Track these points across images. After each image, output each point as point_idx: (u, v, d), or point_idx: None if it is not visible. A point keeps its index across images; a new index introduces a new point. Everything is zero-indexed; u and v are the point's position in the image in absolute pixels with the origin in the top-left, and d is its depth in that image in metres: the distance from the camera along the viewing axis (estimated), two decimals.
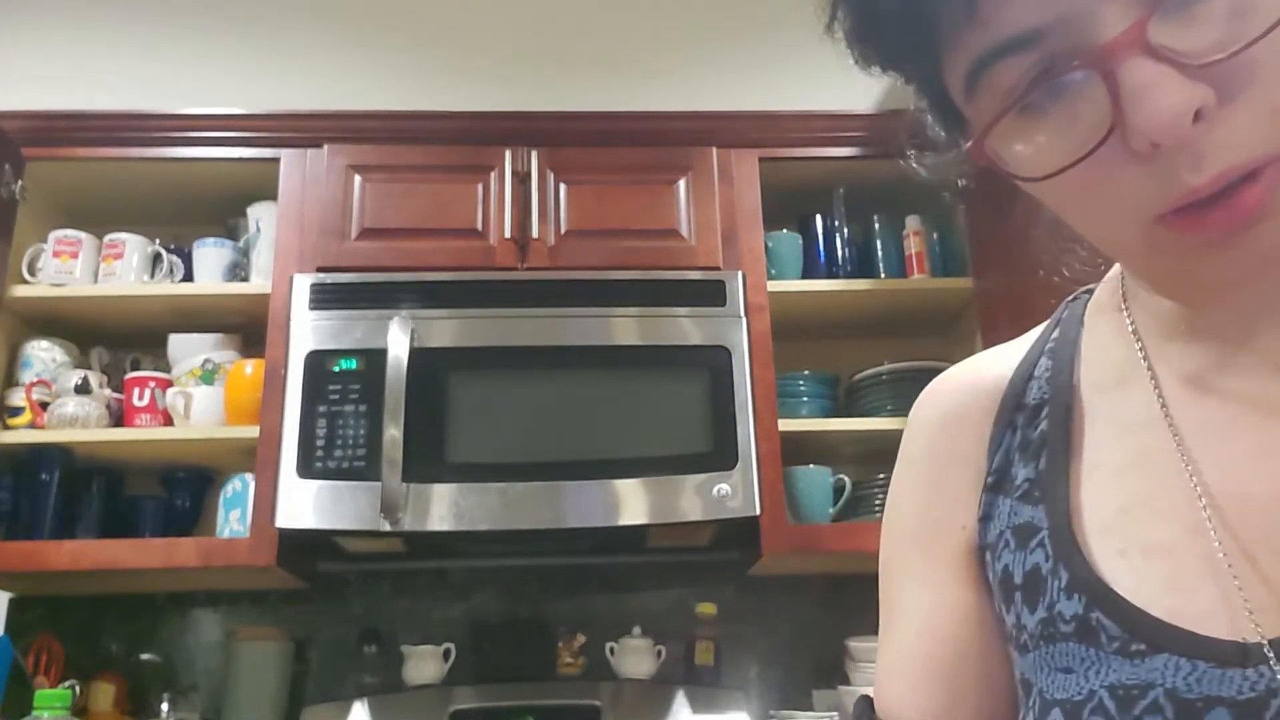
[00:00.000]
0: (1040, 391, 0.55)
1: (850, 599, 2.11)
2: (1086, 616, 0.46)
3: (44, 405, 1.94)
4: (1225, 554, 0.43)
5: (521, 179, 2.04)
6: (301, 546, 1.91)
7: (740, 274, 1.99)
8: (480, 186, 2.04)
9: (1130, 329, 0.53)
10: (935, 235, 2.17)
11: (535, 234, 2.00)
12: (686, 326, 1.93)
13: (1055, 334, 0.58)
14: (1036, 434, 0.53)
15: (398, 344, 1.81)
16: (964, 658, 0.54)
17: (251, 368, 1.95)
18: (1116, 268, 0.57)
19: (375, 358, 1.83)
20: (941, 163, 0.52)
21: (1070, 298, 0.60)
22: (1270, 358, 0.47)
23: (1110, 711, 0.43)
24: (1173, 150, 0.39)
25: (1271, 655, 0.40)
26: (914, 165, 0.54)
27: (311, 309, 1.89)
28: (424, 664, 2.01)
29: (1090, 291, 0.59)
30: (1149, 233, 0.42)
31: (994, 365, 0.59)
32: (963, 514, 0.56)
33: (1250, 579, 0.43)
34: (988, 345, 0.67)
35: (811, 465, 2.01)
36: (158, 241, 2.09)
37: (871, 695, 0.58)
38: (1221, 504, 0.45)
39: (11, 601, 2.09)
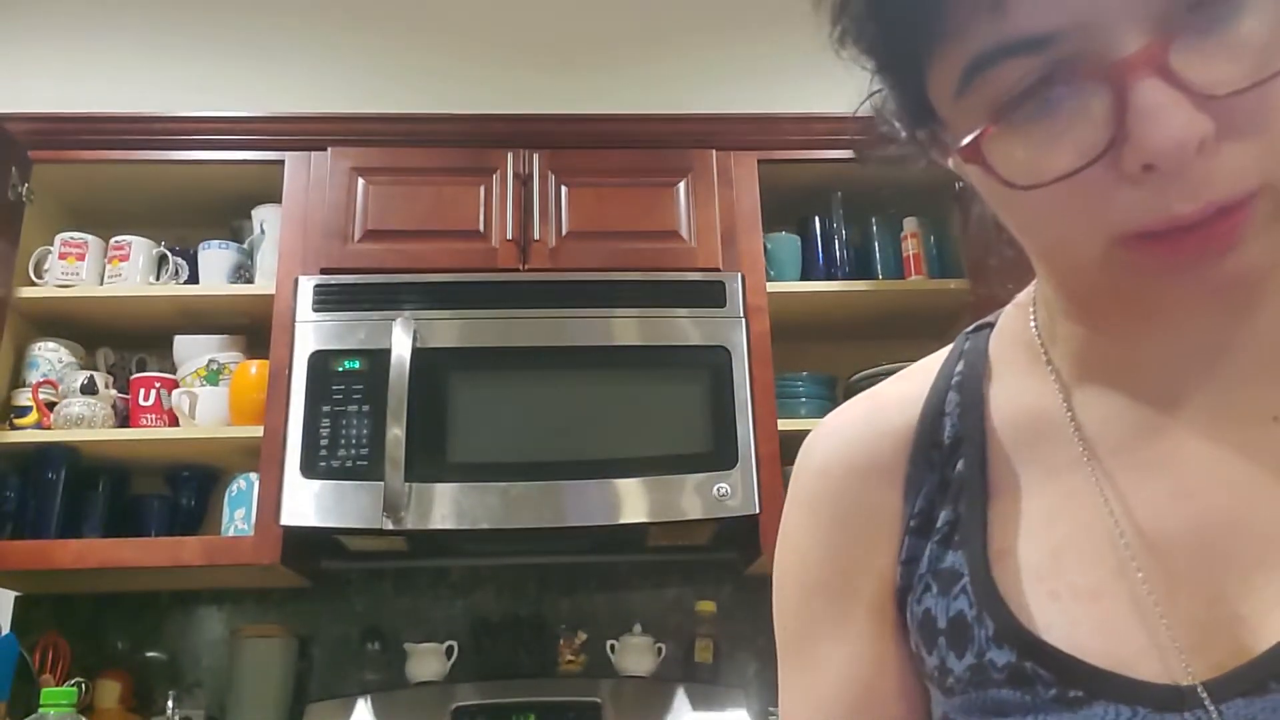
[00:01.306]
0: (953, 429, 0.54)
1: None
2: (1020, 665, 0.45)
3: (50, 405, 1.95)
4: (1152, 594, 0.44)
5: (523, 181, 2.06)
6: (305, 545, 1.92)
7: (739, 275, 2.01)
8: (482, 188, 2.06)
9: (1048, 369, 0.52)
10: (932, 237, 2.19)
11: (537, 235, 2.02)
12: (686, 327, 1.95)
13: (960, 367, 0.56)
14: (955, 474, 0.53)
15: (400, 345, 1.82)
16: (883, 709, 0.53)
17: (256, 368, 1.96)
18: (1023, 298, 0.56)
19: (378, 358, 1.85)
20: (894, 159, 0.51)
21: (970, 329, 0.58)
22: (1193, 402, 0.47)
23: None
24: (1165, 176, 0.38)
25: (1205, 697, 0.41)
26: (860, 161, 0.52)
27: (315, 310, 1.91)
28: (426, 661, 2.02)
29: (990, 325, 0.58)
30: (1108, 250, 0.41)
31: (897, 402, 0.57)
32: (879, 560, 0.54)
33: (1178, 619, 0.43)
34: None
35: None
36: (163, 243, 2.10)
37: None
38: (1145, 546, 0.45)
39: (18, 600, 2.11)
